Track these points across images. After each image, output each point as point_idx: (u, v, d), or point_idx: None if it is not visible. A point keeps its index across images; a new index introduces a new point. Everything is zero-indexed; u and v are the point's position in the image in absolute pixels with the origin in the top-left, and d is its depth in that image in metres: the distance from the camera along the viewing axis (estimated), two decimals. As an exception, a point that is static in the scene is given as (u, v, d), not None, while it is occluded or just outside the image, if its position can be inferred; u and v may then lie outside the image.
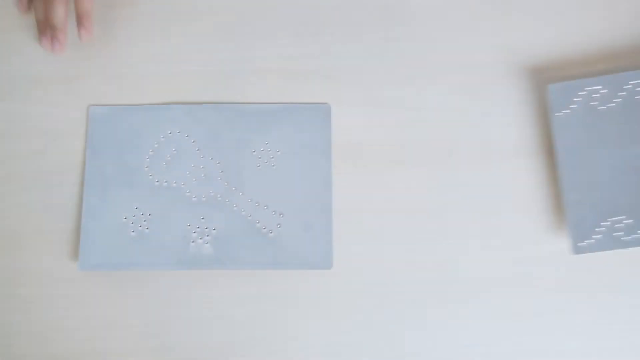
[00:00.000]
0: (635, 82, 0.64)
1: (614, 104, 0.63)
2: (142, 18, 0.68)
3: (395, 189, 0.65)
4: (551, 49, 0.68)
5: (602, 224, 0.61)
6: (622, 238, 0.61)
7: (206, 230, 0.63)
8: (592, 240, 0.61)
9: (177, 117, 0.66)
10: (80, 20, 0.65)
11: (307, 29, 0.68)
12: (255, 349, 0.62)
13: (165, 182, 0.65)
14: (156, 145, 0.65)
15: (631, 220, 0.61)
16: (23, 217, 0.64)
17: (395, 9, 0.69)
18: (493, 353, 0.62)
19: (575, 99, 0.64)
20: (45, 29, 0.64)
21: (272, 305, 0.63)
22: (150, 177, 0.65)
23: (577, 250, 0.61)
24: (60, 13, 0.64)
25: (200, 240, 0.63)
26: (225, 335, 0.62)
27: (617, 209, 0.61)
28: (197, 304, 0.63)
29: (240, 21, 0.69)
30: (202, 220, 0.64)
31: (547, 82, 0.65)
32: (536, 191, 0.65)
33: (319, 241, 0.63)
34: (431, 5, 0.69)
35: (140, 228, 0.63)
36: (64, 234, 0.64)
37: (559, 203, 0.64)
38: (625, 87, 0.64)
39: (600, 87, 0.64)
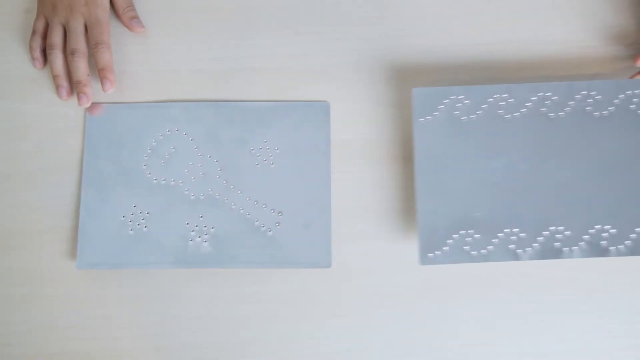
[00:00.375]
0: (498, 96, 0.63)
1: (475, 116, 0.62)
2: (140, 17, 0.68)
3: (395, 187, 0.65)
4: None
5: (453, 236, 0.60)
6: (470, 252, 0.60)
7: (205, 228, 0.63)
8: (440, 252, 0.60)
9: (175, 115, 0.66)
10: (102, 74, 0.65)
11: (305, 27, 0.68)
12: (254, 347, 0.62)
13: (164, 180, 0.64)
14: (154, 144, 0.65)
15: (479, 235, 0.60)
16: (20, 216, 0.64)
17: (393, 7, 0.68)
18: (492, 352, 0.62)
19: (439, 107, 0.63)
20: (63, 82, 0.65)
21: (271, 304, 0.63)
22: (149, 175, 0.64)
23: (425, 260, 0.60)
24: (83, 69, 0.65)
25: (199, 239, 0.63)
26: (224, 334, 0.62)
27: (468, 223, 0.60)
28: (196, 303, 0.63)
29: (239, 19, 0.68)
30: (201, 218, 0.63)
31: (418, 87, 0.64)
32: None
33: (318, 240, 0.63)
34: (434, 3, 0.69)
35: (138, 227, 0.63)
36: (61, 233, 0.64)
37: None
38: (488, 100, 0.63)
39: (464, 97, 0.63)
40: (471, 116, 0.62)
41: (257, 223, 0.63)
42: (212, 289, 0.63)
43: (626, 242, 0.59)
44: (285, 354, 0.62)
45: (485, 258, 0.60)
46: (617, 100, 0.62)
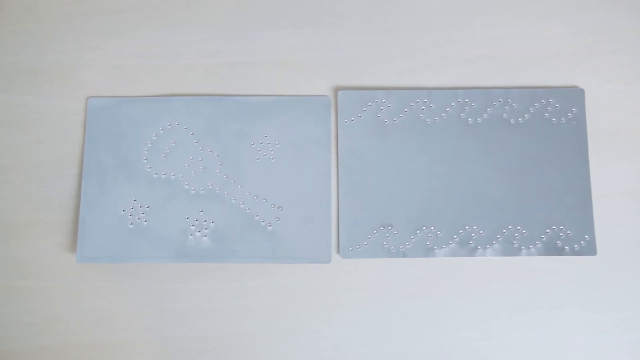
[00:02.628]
0: (419, 100, 0.65)
1: (397, 119, 0.65)
2: (141, 10, 0.68)
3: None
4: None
5: (373, 232, 0.63)
6: (390, 249, 0.63)
7: (204, 223, 0.63)
8: (360, 247, 0.63)
9: (176, 109, 0.65)
10: None
11: (307, 20, 0.68)
12: (253, 341, 0.62)
13: (164, 174, 0.64)
14: (155, 138, 0.65)
15: (397, 232, 0.63)
16: (21, 209, 0.64)
17: (395, 1, 0.68)
18: (493, 346, 0.62)
19: (364, 109, 0.65)
20: None
21: (270, 299, 0.63)
22: (149, 169, 0.64)
23: (345, 254, 0.63)
24: None
25: (199, 233, 0.63)
26: (223, 328, 0.62)
27: (389, 220, 0.63)
28: (195, 297, 0.63)
29: (239, 12, 0.68)
30: (201, 213, 0.63)
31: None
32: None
33: (318, 235, 0.63)
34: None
35: (138, 220, 0.63)
36: (62, 226, 0.64)
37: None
38: (411, 104, 0.65)
39: (386, 100, 0.65)
40: (393, 119, 0.65)
41: (257, 218, 0.63)
42: (211, 283, 0.63)
43: (536, 243, 0.62)
44: (285, 348, 0.62)
45: (403, 254, 0.62)
46: (532, 109, 0.65)
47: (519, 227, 0.63)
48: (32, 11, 0.68)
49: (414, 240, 0.63)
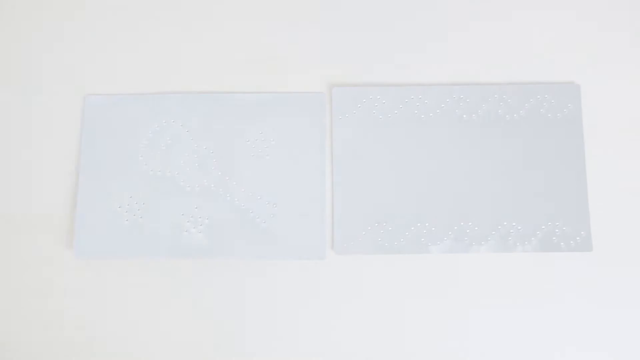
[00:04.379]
0: (414, 97, 0.65)
1: (392, 115, 0.65)
2: (136, 8, 0.69)
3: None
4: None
5: (368, 228, 0.63)
6: (385, 245, 0.63)
7: (199, 219, 0.64)
8: (354, 243, 0.63)
9: (172, 106, 0.66)
10: None
11: (302, 17, 0.68)
12: (248, 338, 0.62)
13: (160, 171, 0.65)
14: (151, 135, 0.66)
15: (392, 228, 0.63)
16: (18, 205, 0.65)
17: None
18: (494, 348, 0.62)
19: (358, 105, 0.65)
20: None
21: (264, 295, 0.63)
22: (145, 166, 0.65)
23: (340, 250, 0.63)
24: None
25: (194, 230, 0.63)
26: (218, 325, 0.63)
27: (383, 216, 0.63)
28: (190, 293, 0.63)
29: (234, 10, 0.69)
30: (196, 209, 0.64)
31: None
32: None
33: (312, 231, 0.63)
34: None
35: (134, 217, 0.64)
36: (58, 223, 0.64)
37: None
38: (405, 100, 0.65)
39: (381, 96, 0.65)
40: (388, 115, 0.65)
41: (251, 214, 0.64)
42: (206, 279, 0.63)
43: (531, 239, 0.62)
44: (280, 344, 0.62)
45: (398, 250, 0.62)
46: (527, 105, 0.65)
47: (514, 223, 0.63)
48: (31, 11, 0.69)
49: (408, 236, 0.63)
